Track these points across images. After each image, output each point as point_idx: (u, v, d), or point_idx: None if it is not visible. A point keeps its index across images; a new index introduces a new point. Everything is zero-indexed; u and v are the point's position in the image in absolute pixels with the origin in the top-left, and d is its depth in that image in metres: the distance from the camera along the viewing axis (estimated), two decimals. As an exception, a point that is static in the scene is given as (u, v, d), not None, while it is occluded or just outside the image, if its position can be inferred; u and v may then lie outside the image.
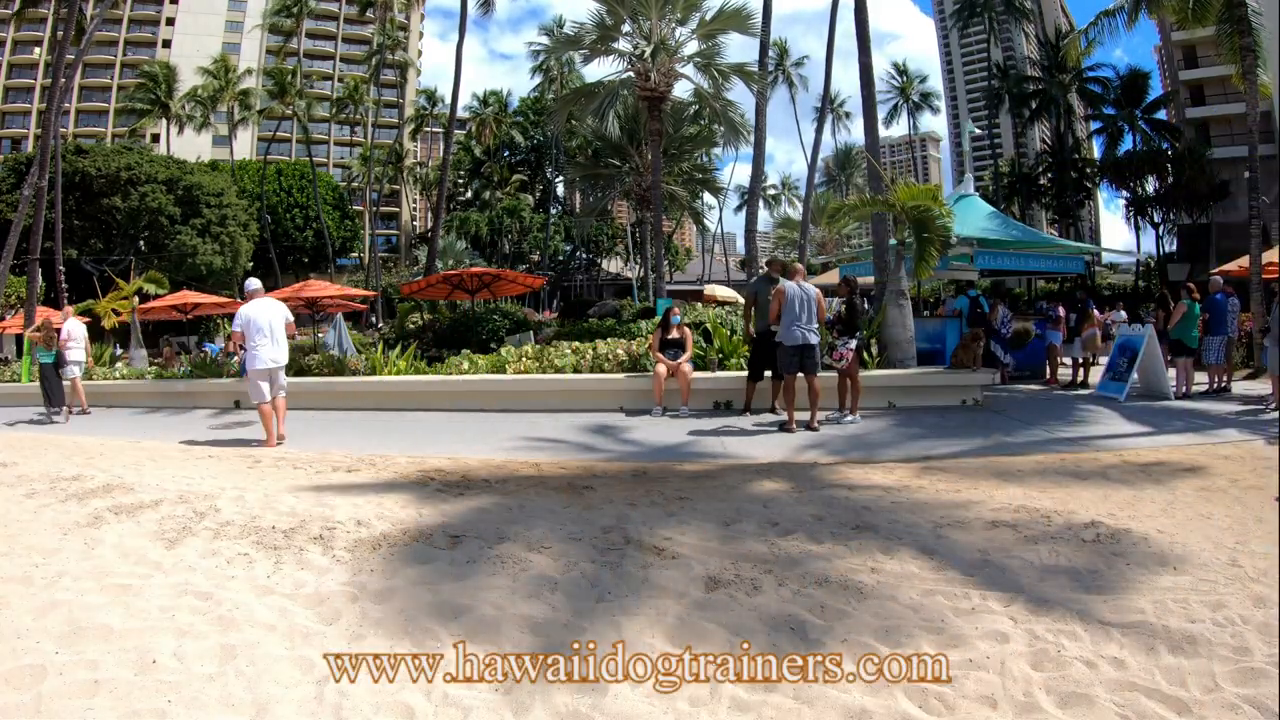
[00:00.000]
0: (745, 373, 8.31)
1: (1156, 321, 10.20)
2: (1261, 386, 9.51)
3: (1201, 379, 9.70)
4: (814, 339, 7.21)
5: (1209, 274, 13.16)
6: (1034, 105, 37.23)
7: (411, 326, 16.27)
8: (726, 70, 16.71)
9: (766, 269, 8.48)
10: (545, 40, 29.16)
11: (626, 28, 16.45)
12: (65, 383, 10.47)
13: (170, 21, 62.44)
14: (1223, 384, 9.52)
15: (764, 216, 58.68)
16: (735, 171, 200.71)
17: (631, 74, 16.65)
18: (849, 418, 7.62)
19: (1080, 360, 10.74)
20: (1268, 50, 16.67)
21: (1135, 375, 9.04)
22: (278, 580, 3.24)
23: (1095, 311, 11.54)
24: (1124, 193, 33.74)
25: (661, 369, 8.20)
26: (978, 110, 75.81)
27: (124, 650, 2.56)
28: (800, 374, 7.22)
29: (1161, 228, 33.62)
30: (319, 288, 16.96)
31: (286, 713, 2.22)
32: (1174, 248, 33.66)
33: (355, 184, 58.82)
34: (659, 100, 16.47)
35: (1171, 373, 9.37)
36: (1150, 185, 32.71)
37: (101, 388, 11.86)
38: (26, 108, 57.85)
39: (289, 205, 48.84)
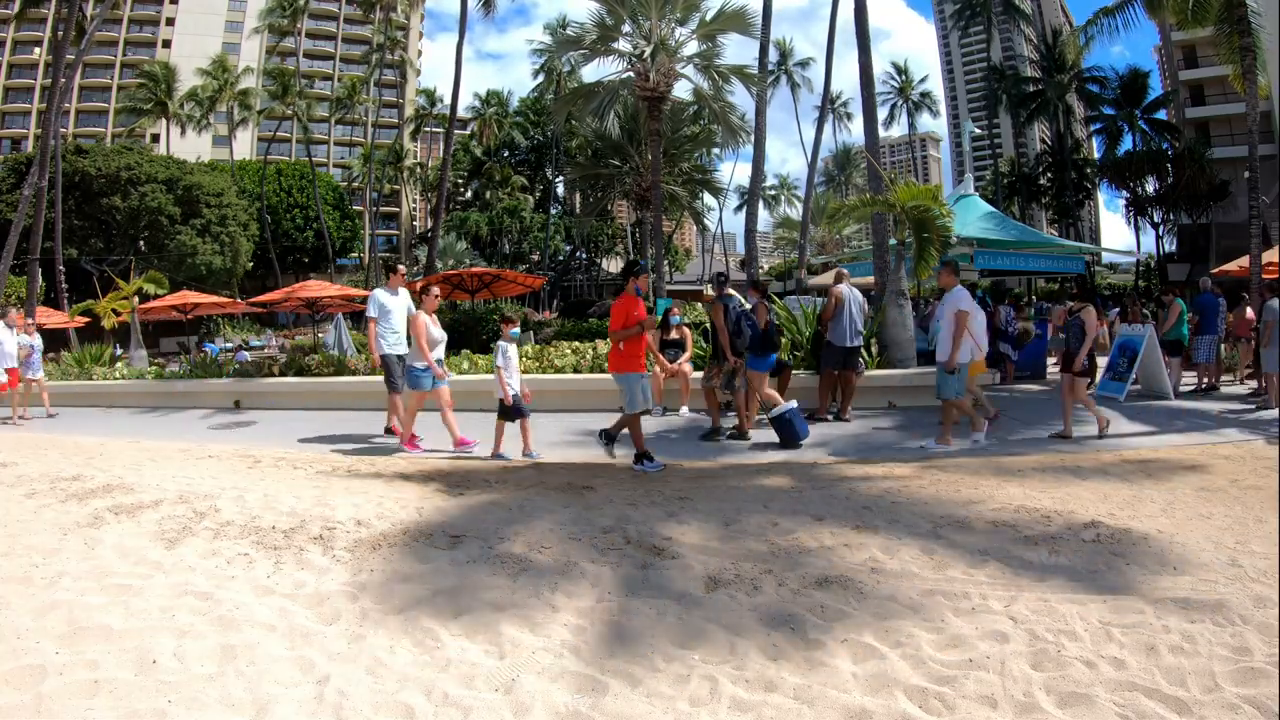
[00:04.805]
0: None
1: (1155, 321, 10.28)
2: (1252, 382, 9.63)
3: (1190, 377, 9.91)
4: (860, 341, 7.87)
5: (1210, 274, 13.21)
6: (1033, 106, 37.21)
7: (411, 327, 16.22)
8: (726, 72, 16.72)
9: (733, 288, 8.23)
10: (548, 39, 29.10)
11: (627, 28, 16.45)
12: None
13: (170, 21, 62.31)
14: (1212, 382, 9.63)
15: (764, 216, 58.69)
16: (735, 171, 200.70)
17: (631, 74, 16.66)
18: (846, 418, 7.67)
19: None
20: (1267, 50, 16.67)
21: (1134, 375, 9.07)
22: (278, 580, 3.24)
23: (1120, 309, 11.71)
24: (1124, 193, 33.69)
25: (660, 369, 8.18)
26: (977, 110, 75.71)
27: (124, 650, 2.56)
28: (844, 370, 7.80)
29: (1161, 228, 33.60)
30: (316, 288, 16.96)
31: (286, 713, 2.22)
32: (1174, 248, 33.65)
33: (355, 184, 58.76)
34: (659, 100, 16.47)
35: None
36: (1150, 185, 32.66)
37: (102, 388, 11.85)
38: (26, 108, 57.73)
39: (289, 205, 48.75)
